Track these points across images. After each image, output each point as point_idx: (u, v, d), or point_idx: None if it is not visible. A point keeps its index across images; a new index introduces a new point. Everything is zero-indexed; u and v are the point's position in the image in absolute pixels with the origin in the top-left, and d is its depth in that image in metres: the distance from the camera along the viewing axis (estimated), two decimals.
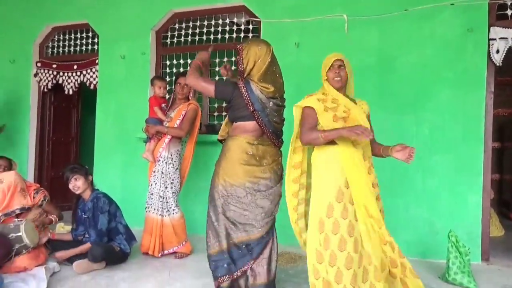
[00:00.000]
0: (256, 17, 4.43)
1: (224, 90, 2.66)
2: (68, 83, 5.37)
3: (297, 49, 4.21)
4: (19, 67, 5.63)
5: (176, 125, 3.71)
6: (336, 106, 2.44)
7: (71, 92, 5.41)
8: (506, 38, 3.60)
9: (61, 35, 5.60)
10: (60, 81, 5.41)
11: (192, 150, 3.86)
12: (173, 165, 3.74)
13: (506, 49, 3.61)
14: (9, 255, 3.04)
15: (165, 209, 3.70)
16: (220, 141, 2.91)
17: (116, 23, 5.04)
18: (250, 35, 4.70)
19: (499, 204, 5.83)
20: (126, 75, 5.00)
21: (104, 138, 5.11)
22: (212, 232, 2.67)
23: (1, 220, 3.33)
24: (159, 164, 3.72)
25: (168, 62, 4.94)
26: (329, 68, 2.48)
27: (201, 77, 2.70)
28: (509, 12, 3.71)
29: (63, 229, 4.33)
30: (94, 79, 5.21)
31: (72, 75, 5.34)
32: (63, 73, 5.38)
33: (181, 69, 4.81)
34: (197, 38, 4.86)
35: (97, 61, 5.17)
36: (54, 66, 5.43)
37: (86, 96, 6.12)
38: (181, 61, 4.87)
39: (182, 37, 4.92)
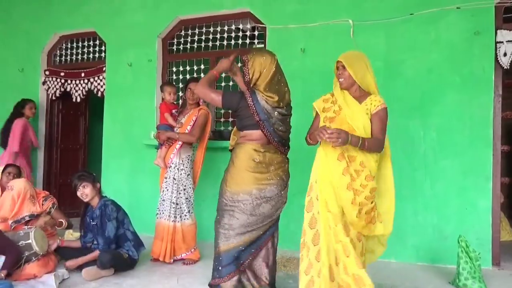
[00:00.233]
0: (262, 23, 4.44)
1: (231, 100, 2.77)
2: (76, 91, 5.42)
3: (303, 54, 4.21)
4: (28, 75, 5.70)
5: (187, 131, 3.72)
6: (331, 106, 2.54)
7: (79, 100, 5.46)
8: None
9: (69, 43, 5.66)
10: (68, 89, 5.47)
11: (202, 155, 3.87)
12: (184, 171, 3.75)
13: None
14: (19, 262, 3.07)
15: (178, 215, 3.71)
16: (231, 150, 2.96)
17: (123, 31, 5.09)
18: (256, 41, 4.72)
19: (509, 208, 5.75)
20: (133, 82, 5.04)
21: (112, 145, 5.15)
22: (219, 235, 2.79)
23: (12, 227, 3.37)
24: (170, 170, 3.73)
25: (174, 69, 4.97)
26: (336, 71, 2.58)
27: (209, 88, 2.80)
28: None
29: (71, 236, 4.36)
30: (102, 86, 5.25)
31: (80, 82, 5.39)
32: (71, 81, 5.44)
33: (187, 76, 4.83)
34: (203, 44, 4.89)
35: (104, 69, 5.22)
36: (62, 74, 5.49)
37: (94, 104, 6.18)
38: (188, 68, 4.89)
39: (189, 44, 4.94)
